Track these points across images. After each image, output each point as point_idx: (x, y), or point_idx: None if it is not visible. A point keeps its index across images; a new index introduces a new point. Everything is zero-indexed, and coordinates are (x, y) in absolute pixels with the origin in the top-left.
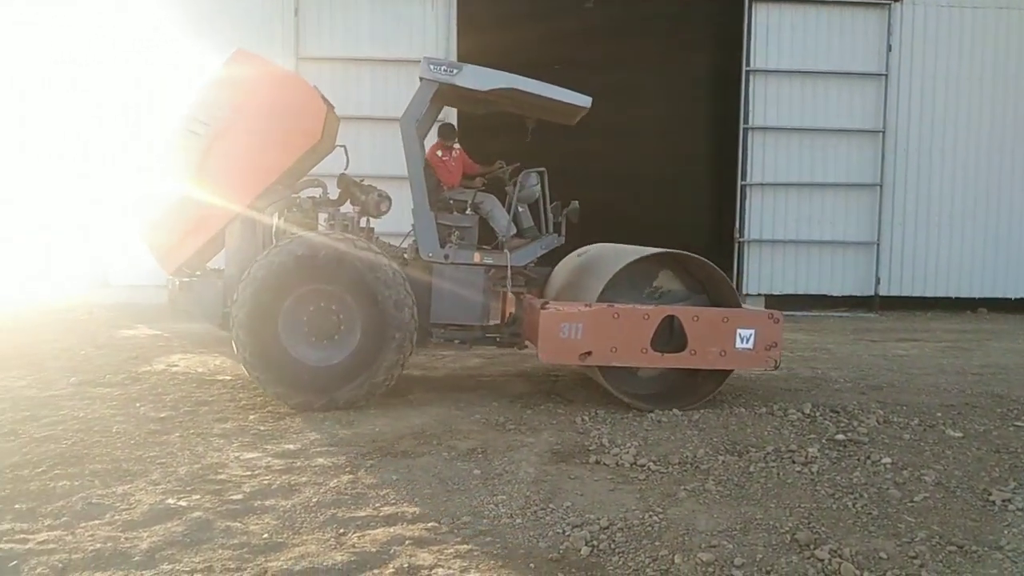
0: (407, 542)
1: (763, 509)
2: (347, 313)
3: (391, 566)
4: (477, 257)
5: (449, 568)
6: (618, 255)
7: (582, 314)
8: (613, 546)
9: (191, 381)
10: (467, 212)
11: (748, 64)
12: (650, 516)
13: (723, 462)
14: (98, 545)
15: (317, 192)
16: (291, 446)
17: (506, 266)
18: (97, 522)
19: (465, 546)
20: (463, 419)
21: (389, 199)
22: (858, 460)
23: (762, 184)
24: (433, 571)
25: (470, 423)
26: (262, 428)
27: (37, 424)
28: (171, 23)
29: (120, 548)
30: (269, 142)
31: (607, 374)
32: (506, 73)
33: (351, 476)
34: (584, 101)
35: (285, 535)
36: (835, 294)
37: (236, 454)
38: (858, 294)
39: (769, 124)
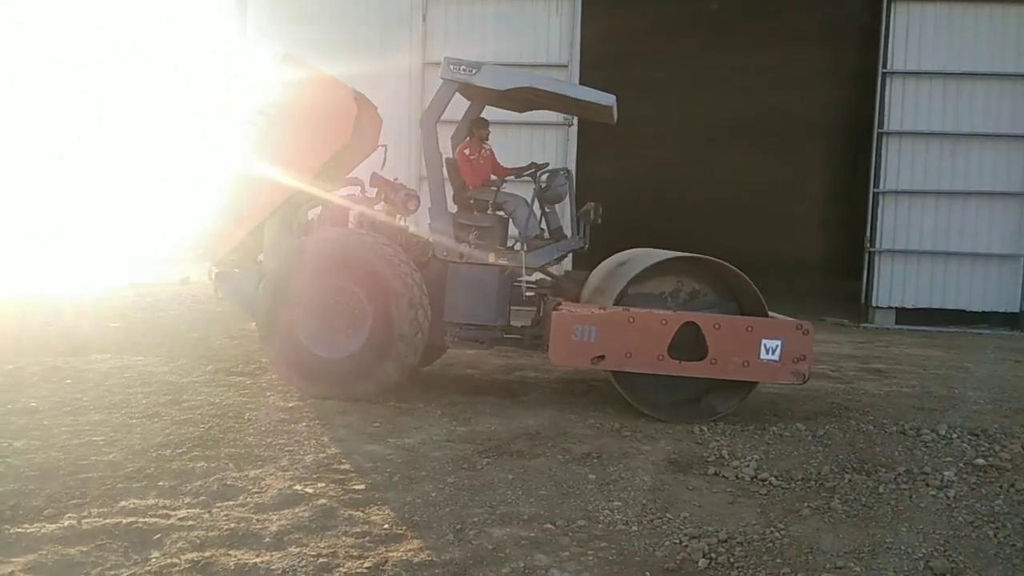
0: (522, 542)
1: (893, 532)
2: (360, 308)
3: (507, 566)
4: (492, 257)
5: (564, 571)
6: (648, 259)
7: (595, 317)
8: (732, 560)
9: None
10: (489, 212)
11: (885, 66)
12: (771, 532)
13: (850, 480)
14: (232, 525)
15: (356, 190)
16: (409, 440)
17: (521, 267)
18: (231, 503)
19: (580, 550)
20: (577, 423)
21: (417, 198)
22: (1000, 487)
23: (896, 192)
24: (548, 572)
25: (584, 427)
26: (382, 422)
27: (178, 408)
28: (307, 27)
29: (252, 529)
30: (304, 141)
31: (624, 379)
32: (524, 72)
33: (468, 473)
34: (606, 99)
35: (405, 527)
36: (975, 310)
37: (358, 446)
38: (1001, 310)
39: (906, 129)
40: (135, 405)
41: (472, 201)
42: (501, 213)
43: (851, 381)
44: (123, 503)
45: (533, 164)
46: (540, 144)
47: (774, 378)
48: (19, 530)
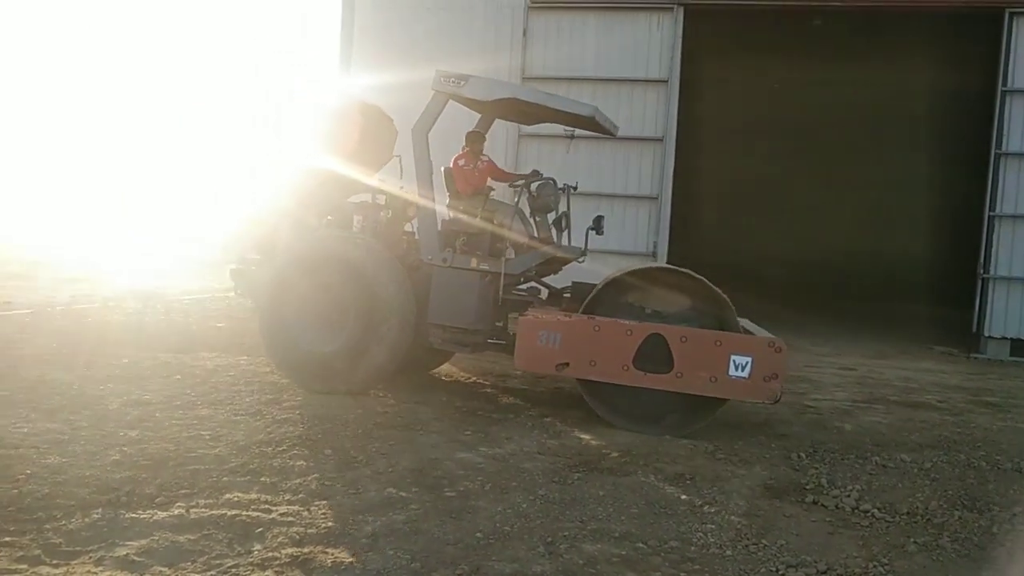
0: (614, 559)
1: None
2: (347, 306)
3: None
4: (474, 262)
5: None
6: (629, 269)
7: (560, 324)
8: None
9: (412, 381)
10: (478, 219)
11: (1005, 84)
12: (874, 566)
13: (960, 518)
14: (329, 523)
15: (367, 198)
16: (501, 450)
17: (500, 273)
18: (328, 502)
19: (672, 571)
20: (670, 442)
21: (415, 205)
22: None
23: (1014, 216)
24: None
25: (677, 447)
26: (474, 431)
27: (279, 407)
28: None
29: (348, 529)
30: (313, 150)
31: (592, 388)
32: (510, 84)
33: (559, 486)
34: (585, 110)
35: (496, 538)
36: None
37: (451, 453)
38: None
39: None
40: (239, 403)
41: (462, 208)
42: (482, 220)
43: (960, 413)
44: (228, 496)
45: (534, 171)
46: (637, 158)
47: (743, 396)
48: (133, 515)
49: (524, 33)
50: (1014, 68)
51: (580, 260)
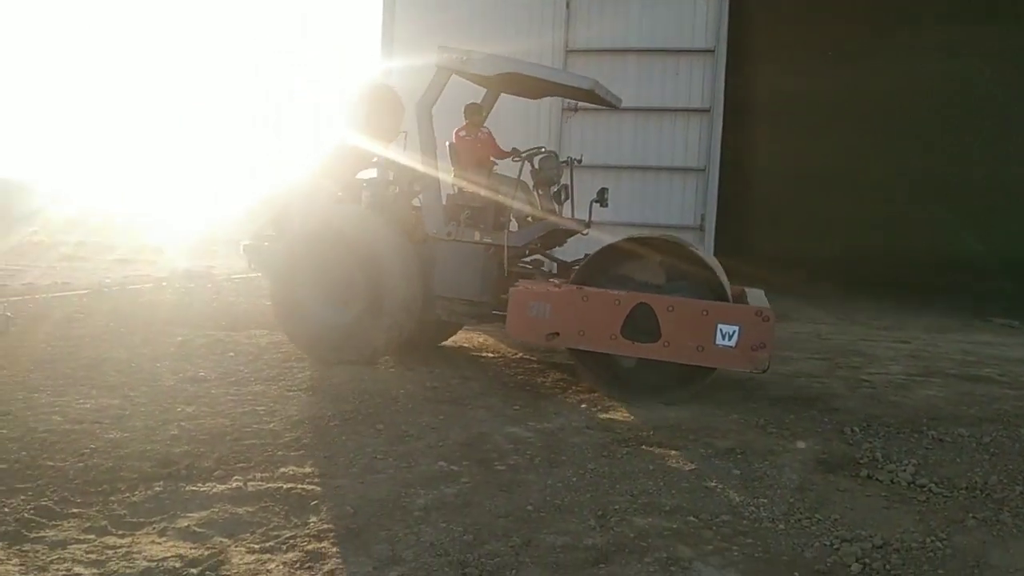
0: (665, 532)
1: None
2: (354, 280)
3: (650, 555)
4: (477, 235)
5: (708, 564)
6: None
7: (550, 294)
8: (888, 567)
9: (459, 356)
10: (482, 193)
11: None
12: (932, 541)
13: (1021, 493)
14: (382, 496)
15: (375, 174)
16: (549, 425)
17: (503, 245)
18: (381, 476)
19: (724, 544)
20: (720, 417)
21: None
22: None
23: None
24: (692, 565)
25: (727, 422)
26: (522, 405)
27: (330, 383)
28: (452, 14)
29: (401, 502)
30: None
31: (583, 357)
32: (511, 58)
33: (608, 461)
34: (585, 83)
35: (547, 510)
36: None
37: (500, 427)
38: None
39: None
40: (291, 379)
41: (467, 182)
42: (487, 193)
43: (1022, 387)
44: (283, 469)
45: (542, 147)
46: (683, 129)
47: (730, 365)
48: (193, 488)
49: (567, 5)
50: None
51: (584, 232)
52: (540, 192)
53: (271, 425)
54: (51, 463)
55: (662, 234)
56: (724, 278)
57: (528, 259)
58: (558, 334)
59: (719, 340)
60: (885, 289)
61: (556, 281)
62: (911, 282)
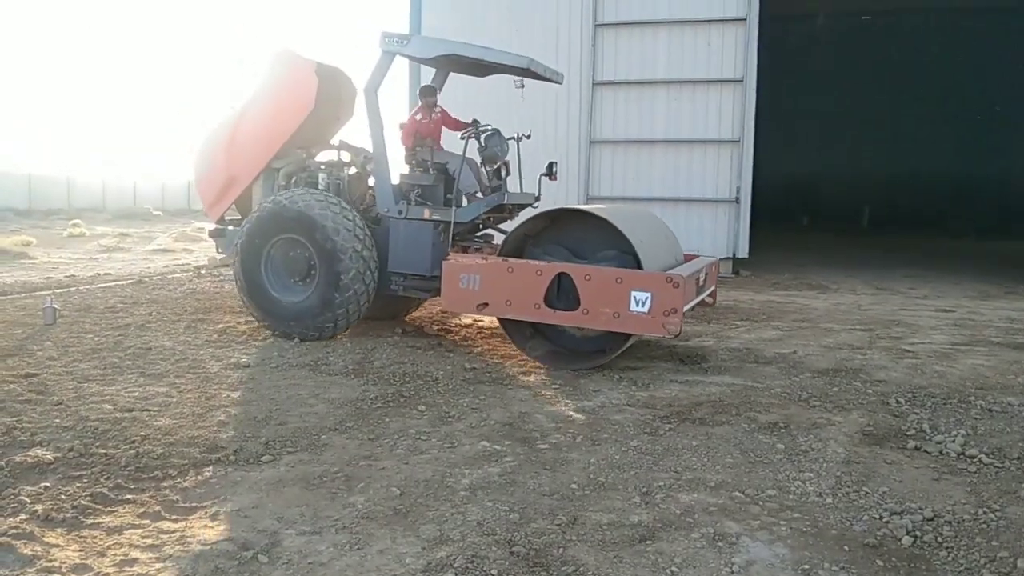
0: (711, 508)
1: None
2: (312, 260)
3: (696, 531)
4: (427, 213)
5: (756, 539)
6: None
7: (478, 266)
8: (940, 539)
9: (495, 336)
10: (431, 171)
11: None
12: (984, 512)
13: None
14: (427, 476)
15: (333, 155)
16: (589, 403)
17: (450, 222)
18: (425, 456)
19: (771, 519)
20: (762, 391)
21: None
22: None
23: None
24: (739, 540)
25: (770, 396)
26: (562, 384)
27: (370, 366)
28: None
29: (446, 482)
30: (272, 115)
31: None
32: (448, 41)
33: (651, 438)
34: (520, 61)
35: (591, 488)
36: None
37: (540, 406)
38: None
39: None
40: (331, 363)
41: (415, 161)
42: (434, 171)
43: None
44: (328, 452)
45: (475, 120)
46: (716, 101)
47: (644, 330)
48: (242, 472)
49: None
50: None
51: (534, 205)
52: (487, 168)
53: (315, 408)
54: (103, 451)
55: (584, 205)
56: (643, 246)
57: (479, 234)
58: (487, 304)
59: (633, 307)
60: (924, 249)
61: (484, 254)
62: (951, 242)
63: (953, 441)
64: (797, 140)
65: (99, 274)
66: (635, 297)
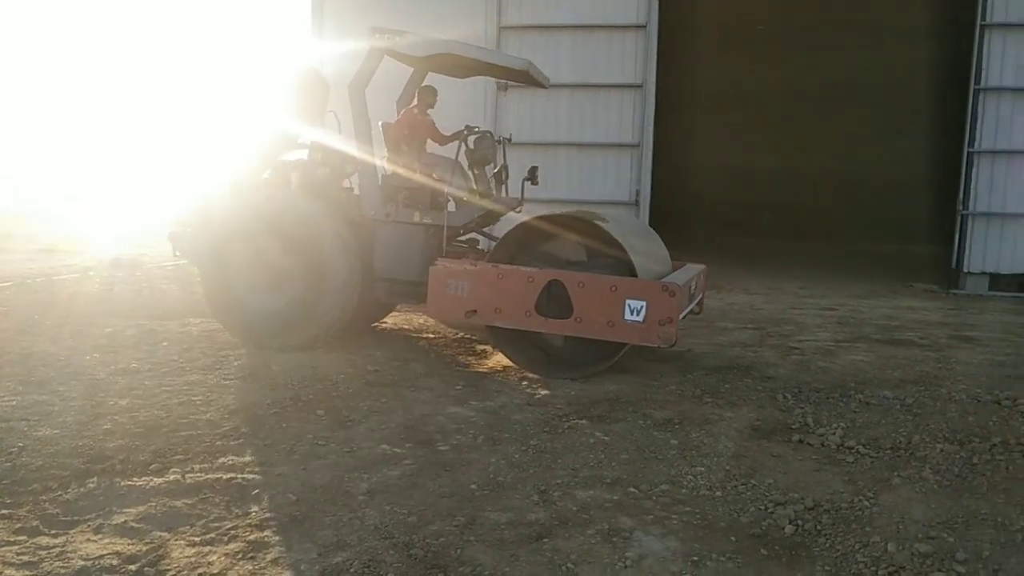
0: (607, 504)
1: (989, 504)
2: (290, 264)
3: (592, 527)
4: (416, 216)
5: (649, 533)
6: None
7: (467, 272)
8: (819, 527)
9: (399, 339)
10: (419, 174)
11: (983, 18)
12: (860, 500)
13: (942, 451)
14: (326, 480)
15: (304, 154)
16: (491, 403)
17: (442, 226)
18: (324, 462)
19: (664, 514)
20: (657, 389)
21: (354, 161)
22: None
23: (993, 152)
24: (633, 535)
25: (665, 393)
26: (464, 385)
27: (268, 370)
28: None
29: (344, 487)
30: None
31: (499, 333)
32: (445, 40)
33: (550, 436)
34: (519, 64)
35: (491, 488)
36: None
37: (442, 408)
38: None
39: (1006, 84)
40: (228, 367)
41: (403, 163)
42: (422, 175)
43: (941, 349)
44: (222, 459)
45: (466, 127)
46: (617, 106)
47: (639, 340)
48: (129, 483)
49: None
50: (992, 2)
51: (517, 210)
52: (475, 172)
53: (208, 415)
54: None
55: (576, 211)
56: (637, 254)
57: (464, 238)
58: (476, 311)
59: (628, 316)
60: (807, 251)
61: (473, 259)
62: (833, 244)
63: (833, 433)
64: (695, 140)
65: None
66: (630, 306)
